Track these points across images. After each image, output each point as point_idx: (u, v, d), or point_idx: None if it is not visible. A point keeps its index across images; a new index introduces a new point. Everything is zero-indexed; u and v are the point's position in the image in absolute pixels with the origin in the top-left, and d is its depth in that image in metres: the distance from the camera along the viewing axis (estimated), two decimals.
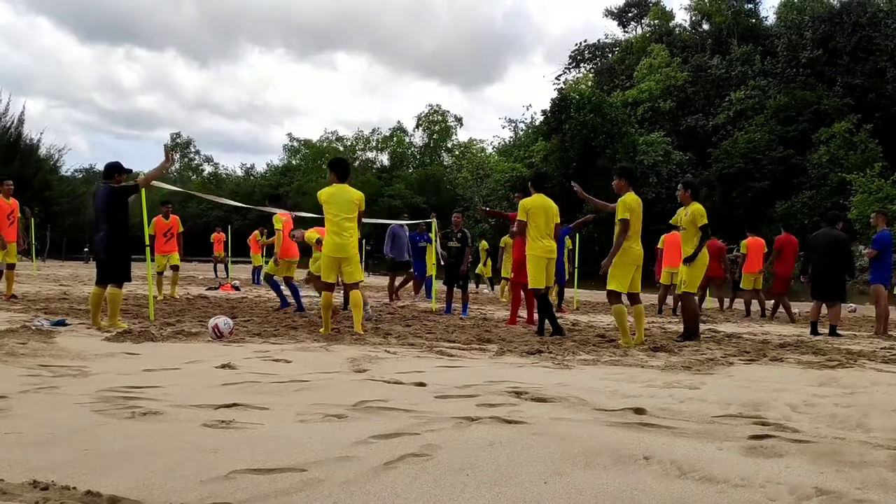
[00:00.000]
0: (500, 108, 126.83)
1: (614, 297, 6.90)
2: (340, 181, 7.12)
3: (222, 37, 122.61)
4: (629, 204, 6.88)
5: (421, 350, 6.03)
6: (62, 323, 6.83)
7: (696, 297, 8.02)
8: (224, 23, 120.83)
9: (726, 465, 2.70)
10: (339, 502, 2.23)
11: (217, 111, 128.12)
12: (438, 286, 12.16)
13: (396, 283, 13.20)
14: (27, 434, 2.90)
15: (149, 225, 11.27)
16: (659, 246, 12.32)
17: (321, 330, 7.02)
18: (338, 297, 9.72)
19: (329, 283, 7.11)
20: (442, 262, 10.91)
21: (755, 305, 12.16)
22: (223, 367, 4.69)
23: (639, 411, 3.60)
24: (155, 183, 7.89)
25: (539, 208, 7.54)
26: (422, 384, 4.26)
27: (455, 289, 10.50)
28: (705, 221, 7.26)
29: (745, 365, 5.68)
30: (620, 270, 6.87)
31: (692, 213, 7.29)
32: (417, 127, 74.20)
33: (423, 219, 14.56)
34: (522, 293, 8.94)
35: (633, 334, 6.91)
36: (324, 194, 7.08)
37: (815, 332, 8.79)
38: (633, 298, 7.15)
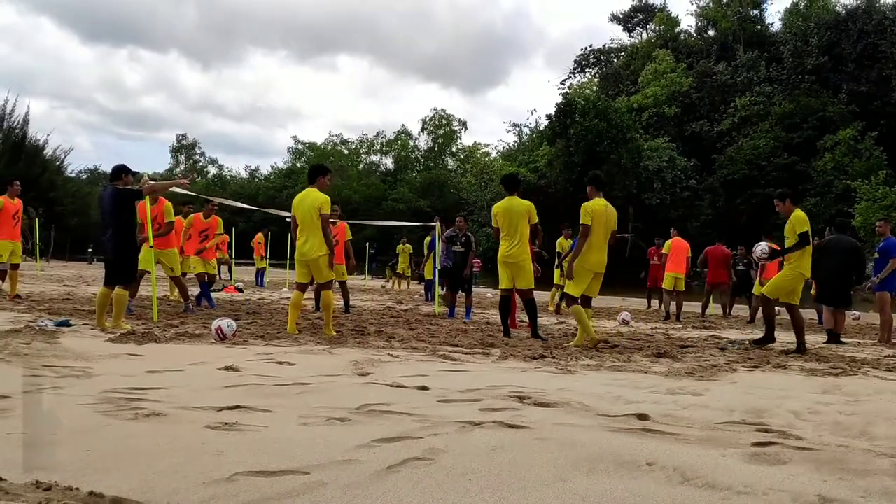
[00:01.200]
0: (502, 112, 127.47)
1: (570, 299, 7.10)
2: (310, 185, 7.27)
3: (224, 38, 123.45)
4: (591, 209, 6.99)
5: (424, 354, 6.02)
6: (66, 323, 6.83)
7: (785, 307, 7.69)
8: (226, 24, 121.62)
9: (729, 471, 2.69)
10: None
11: (220, 113, 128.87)
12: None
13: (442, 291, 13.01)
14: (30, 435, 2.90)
15: (186, 225, 11.37)
16: (664, 251, 12.28)
17: (288, 328, 7.12)
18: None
19: (302, 284, 7.29)
20: (441, 266, 10.91)
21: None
22: (226, 369, 4.69)
23: (642, 417, 3.59)
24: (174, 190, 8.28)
25: (503, 212, 7.53)
26: (425, 388, 4.26)
27: (459, 292, 10.49)
28: (805, 229, 7.14)
29: (748, 372, 5.66)
30: (577, 276, 7.05)
31: (792, 220, 7.22)
32: (422, 131, 74.40)
33: (428, 222, 14.57)
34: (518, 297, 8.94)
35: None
36: (295, 198, 7.29)
37: (832, 338, 8.60)
38: (585, 302, 7.25)
